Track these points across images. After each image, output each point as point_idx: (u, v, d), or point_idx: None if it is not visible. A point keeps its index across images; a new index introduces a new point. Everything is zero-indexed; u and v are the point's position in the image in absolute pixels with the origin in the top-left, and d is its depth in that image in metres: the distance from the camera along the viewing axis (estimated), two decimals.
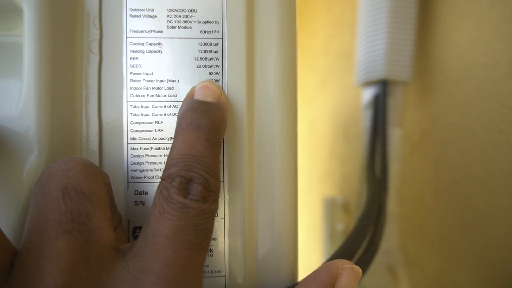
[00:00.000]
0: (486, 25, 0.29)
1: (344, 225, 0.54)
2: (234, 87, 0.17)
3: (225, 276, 0.17)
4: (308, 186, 0.68)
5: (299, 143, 0.18)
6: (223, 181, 0.17)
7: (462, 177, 0.32)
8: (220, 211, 0.17)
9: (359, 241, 0.21)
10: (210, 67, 0.17)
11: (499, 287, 0.28)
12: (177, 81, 0.17)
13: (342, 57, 0.55)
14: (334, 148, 0.58)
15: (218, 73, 0.17)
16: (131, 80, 0.17)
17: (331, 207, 0.56)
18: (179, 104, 0.17)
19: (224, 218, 0.17)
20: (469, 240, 0.31)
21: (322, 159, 0.63)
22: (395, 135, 0.38)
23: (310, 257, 0.64)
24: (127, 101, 0.17)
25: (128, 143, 0.17)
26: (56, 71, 0.15)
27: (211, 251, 0.17)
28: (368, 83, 0.39)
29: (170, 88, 0.17)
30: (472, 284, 0.31)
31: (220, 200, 0.17)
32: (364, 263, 0.21)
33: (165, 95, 0.17)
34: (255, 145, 0.17)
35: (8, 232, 0.13)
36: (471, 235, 0.31)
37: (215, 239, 0.17)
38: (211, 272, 0.17)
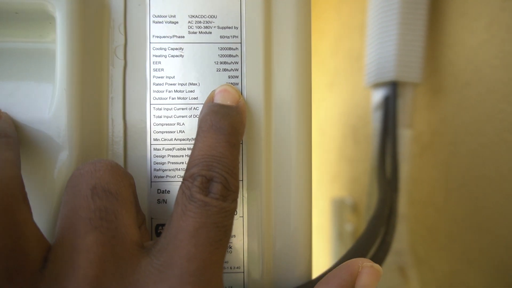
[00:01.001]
0: (497, 27, 0.29)
1: (353, 226, 0.54)
2: (253, 90, 0.17)
3: (243, 272, 0.17)
4: (317, 187, 0.68)
5: None
6: (242, 180, 0.18)
7: (472, 178, 0.32)
8: (239, 209, 0.18)
9: (371, 240, 0.22)
10: (230, 70, 0.17)
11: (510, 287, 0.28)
12: (198, 84, 0.17)
13: (351, 58, 0.55)
14: (343, 149, 0.59)
15: (237, 77, 0.18)
16: (154, 84, 0.17)
17: (340, 208, 0.56)
18: (200, 107, 0.17)
19: (243, 216, 0.17)
20: (479, 240, 0.31)
21: (331, 160, 0.63)
22: (405, 136, 0.38)
23: (319, 258, 0.65)
24: (150, 104, 0.17)
25: (151, 144, 0.17)
26: (85, 76, 0.16)
27: (230, 248, 0.17)
28: (378, 85, 0.39)
29: (191, 91, 0.17)
30: (482, 285, 0.31)
31: (239, 199, 0.17)
32: (377, 262, 0.21)
33: (186, 98, 0.17)
34: (273, 146, 0.18)
35: (42, 228, 0.14)
36: (482, 235, 0.31)
37: (235, 236, 0.17)
38: (231, 268, 0.17)
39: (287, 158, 0.18)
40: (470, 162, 0.33)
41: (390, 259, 0.36)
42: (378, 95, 0.40)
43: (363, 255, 0.20)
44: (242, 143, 0.18)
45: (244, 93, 0.18)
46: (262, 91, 0.17)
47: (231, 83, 0.17)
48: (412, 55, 0.37)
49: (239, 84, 0.18)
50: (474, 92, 0.32)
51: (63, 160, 0.15)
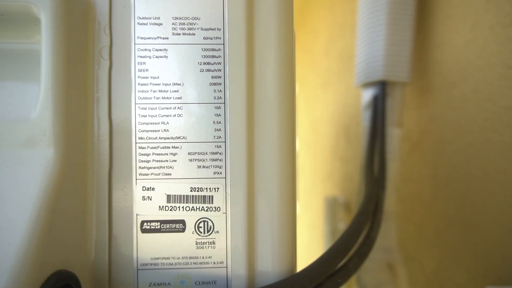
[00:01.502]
0: (481, 28, 0.30)
1: (346, 224, 0.54)
2: (235, 90, 0.18)
3: (227, 267, 0.18)
4: (311, 186, 0.69)
5: (302, 144, 0.19)
6: (225, 177, 0.18)
7: (459, 176, 0.33)
8: (222, 206, 0.18)
9: (355, 236, 0.22)
10: (213, 71, 0.18)
11: (496, 283, 0.29)
12: (182, 84, 0.18)
13: (343, 58, 0.56)
14: (336, 148, 0.59)
15: (220, 77, 0.18)
16: (139, 84, 0.18)
17: (333, 206, 0.57)
18: (184, 106, 0.18)
19: (226, 213, 0.18)
20: (466, 237, 0.32)
21: (324, 159, 0.64)
22: (394, 135, 0.38)
23: (311, 255, 0.65)
24: (135, 103, 0.18)
25: (136, 143, 0.18)
26: (70, 76, 0.16)
27: (214, 243, 0.18)
28: (367, 84, 0.40)
29: (175, 91, 0.18)
30: (470, 281, 0.32)
31: (222, 196, 0.18)
32: (360, 256, 0.22)
33: (170, 98, 0.18)
34: (255, 144, 0.18)
35: (23, 228, 0.14)
36: (468, 232, 0.32)
37: (218, 232, 0.18)
38: (214, 263, 0.18)
39: (270, 156, 0.18)
40: (457, 161, 0.33)
41: (379, 256, 0.37)
42: (367, 95, 0.40)
43: (346, 250, 0.21)
44: (225, 141, 0.18)
45: (227, 93, 0.18)
46: (244, 91, 0.18)
47: (214, 83, 0.18)
48: (400, 54, 0.37)
49: (222, 84, 0.18)
50: (460, 92, 0.33)
51: (49, 158, 0.15)
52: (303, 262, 0.20)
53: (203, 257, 0.18)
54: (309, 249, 0.67)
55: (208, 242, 0.18)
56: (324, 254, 0.20)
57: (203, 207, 0.18)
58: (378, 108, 0.38)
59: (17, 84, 0.16)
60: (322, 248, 0.59)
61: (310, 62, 0.70)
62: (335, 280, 0.19)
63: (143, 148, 0.18)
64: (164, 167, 0.18)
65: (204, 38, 0.18)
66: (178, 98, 0.18)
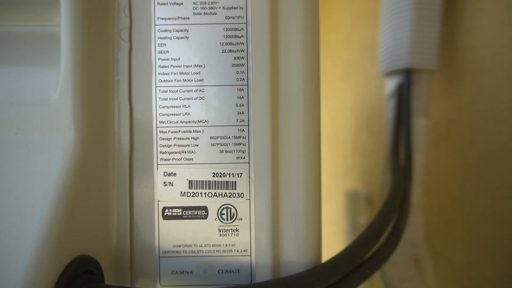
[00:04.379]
0: None
1: (367, 218, 0.53)
2: (259, 70, 0.17)
3: (250, 255, 0.17)
4: (331, 180, 0.68)
5: (321, 137, 0.18)
6: (249, 162, 0.17)
7: (491, 167, 0.31)
8: (246, 192, 0.17)
9: (383, 225, 0.21)
10: (235, 51, 0.17)
11: None
12: (203, 66, 0.17)
13: (364, 49, 0.54)
14: (357, 141, 0.58)
15: (242, 58, 0.17)
16: (159, 66, 0.17)
17: (354, 200, 0.56)
18: (206, 89, 0.17)
19: (249, 199, 0.17)
20: (499, 231, 0.30)
21: (344, 152, 0.62)
22: (420, 125, 0.37)
23: (332, 250, 0.64)
24: (156, 86, 0.17)
25: (157, 127, 0.17)
26: (90, 58, 0.16)
27: (237, 230, 0.17)
28: (391, 73, 0.38)
29: (196, 73, 0.17)
30: (502, 277, 0.30)
31: (246, 181, 0.17)
32: (389, 247, 0.21)
33: (192, 80, 0.17)
34: (280, 127, 0.17)
35: (44, 210, 0.14)
36: (501, 226, 0.30)
37: (241, 219, 0.17)
38: (237, 251, 0.17)
39: (296, 140, 0.17)
40: (489, 151, 0.32)
41: (404, 250, 0.35)
42: (391, 84, 0.39)
43: (374, 240, 0.20)
44: (249, 125, 0.17)
45: (250, 74, 0.17)
46: (268, 72, 0.17)
47: (237, 64, 0.17)
48: (427, 41, 0.35)
49: (245, 65, 0.17)
50: (493, 78, 0.31)
51: (69, 141, 0.15)
52: (323, 257, 0.20)
53: (226, 245, 0.17)
54: (329, 245, 0.66)
55: (231, 229, 0.17)
56: (352, 244, 0.19)
57: (226, 193, 0.17)
58: (403, 96, 0.36)
59: (37, 67, 0.16)
60: (343, 243, 0.58)
61: (329, 54, 0.68)
62: (363, 271, 0.18)
63: (164, 132, 0.17)
64: (185, 152, 0.17)
65: (226, 17, 0.17)
66: (200, 80, 0.17)
